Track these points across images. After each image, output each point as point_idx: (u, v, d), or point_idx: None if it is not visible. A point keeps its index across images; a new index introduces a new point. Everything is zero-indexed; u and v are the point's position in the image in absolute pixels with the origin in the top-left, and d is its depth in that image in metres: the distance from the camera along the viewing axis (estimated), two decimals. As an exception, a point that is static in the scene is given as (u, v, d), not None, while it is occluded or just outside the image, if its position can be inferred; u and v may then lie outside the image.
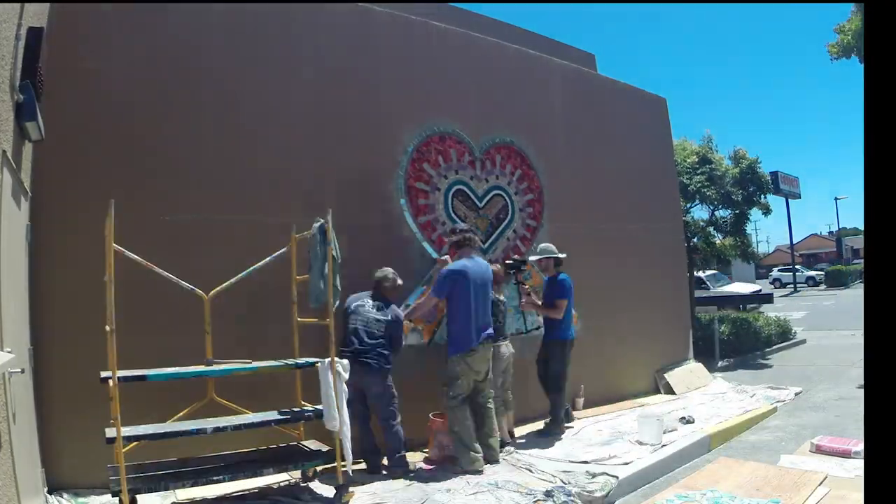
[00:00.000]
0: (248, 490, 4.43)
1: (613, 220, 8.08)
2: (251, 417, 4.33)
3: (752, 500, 4.16)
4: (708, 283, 17.99)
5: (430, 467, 5.04)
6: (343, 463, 4.21)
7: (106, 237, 3.80)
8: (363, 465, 4.98)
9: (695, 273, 13.67)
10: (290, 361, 4.59)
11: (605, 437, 5.77)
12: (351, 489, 4.26)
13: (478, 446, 4.97)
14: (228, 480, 3.98)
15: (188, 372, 4.18)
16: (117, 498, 3.59)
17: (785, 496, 4.23)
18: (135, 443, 4.14)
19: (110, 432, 3.65)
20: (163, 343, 4.63)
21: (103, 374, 3.77)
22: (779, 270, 43.31)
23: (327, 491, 4.35)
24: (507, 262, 6.32)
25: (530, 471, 4.82)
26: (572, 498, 4.21)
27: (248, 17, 5.25)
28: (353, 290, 5.61)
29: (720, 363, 10.28)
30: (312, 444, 4.71)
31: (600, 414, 6.91)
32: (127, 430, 3.78)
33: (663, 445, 5.40)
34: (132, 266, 4.47)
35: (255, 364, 4.53)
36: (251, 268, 4.83)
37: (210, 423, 4.10)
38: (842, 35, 8.58)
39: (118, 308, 4.40)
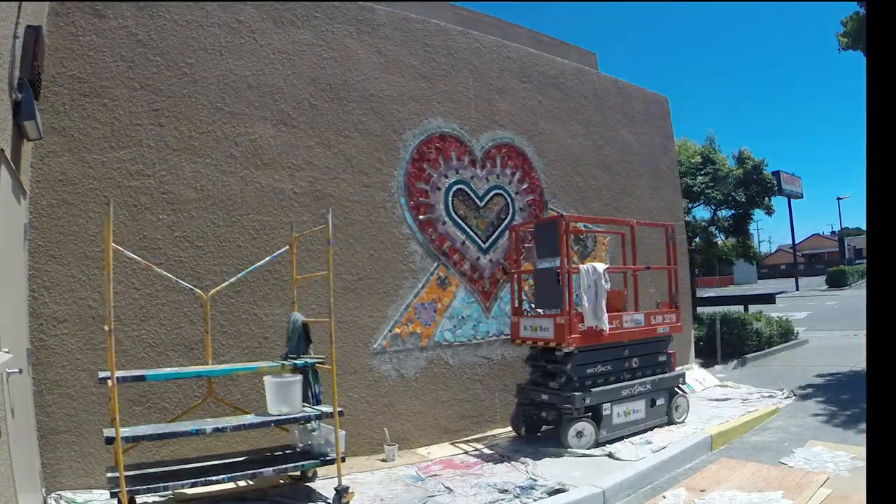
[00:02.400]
0: (248, 490, 4.41)
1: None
2: (251, 418, 4.30)
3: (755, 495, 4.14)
4: None
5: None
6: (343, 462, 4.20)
7: (105, 237, 3.79)
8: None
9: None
10: (290, 362, 4.57)
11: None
12: (351, 490, 4.23)
13: None
14: (227, 481, 3.96)
15: (188, 372, 4.17)
16: (116, 498, 3.57)
17: (787, 496, 4.20)
18: (134, 443, 4.16)
19: (109, 432, 3.63)
20: (164, 341, 4.63)
21: (101, 374, 3.76)
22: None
23: (328, 491, 4.33)
24: None
25: (528, 472, 4.79)
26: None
27: (246, 14, 5.23)
28: (351, 291, 5.62)
29: (721, 365, 10.24)
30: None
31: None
32: (126, 431, 3.78)
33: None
34: (133, 265, 4.48)
35: (255, 364, 4.52)
36: (250, 267, 4.83)
37: (209, 423, 4.08)
38: (850, 24, 8.59)
39: (120, 306, 4.41)
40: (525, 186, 7.08)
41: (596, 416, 5.53)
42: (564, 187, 7.53)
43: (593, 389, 5.56)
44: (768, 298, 14.77)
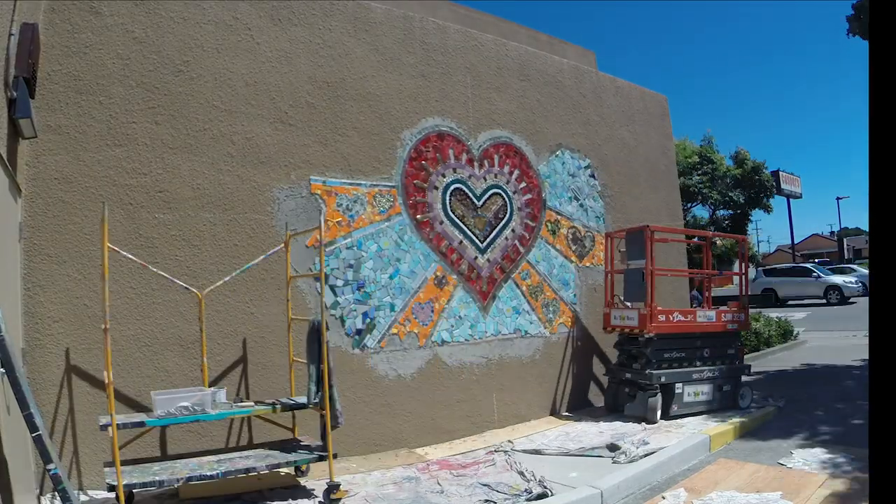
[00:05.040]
0: (241, 481, 4.38)
1: (613, 220, 8.04)
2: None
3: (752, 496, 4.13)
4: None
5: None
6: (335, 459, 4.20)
7: (101, 237, 3.77)
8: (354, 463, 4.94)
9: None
10: (286, 399, 4.63)
11: (606, 439, 5.72)
12: (343, 487, 4.22)
13: None
14: (222, 477, 3.94)
15: (185, 418, 4.04)
16: (114, 493, 3.57)
17: (786, 497, 4.19)
18: (134, 439, 4.16)
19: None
20: (159, 340, 4.60)
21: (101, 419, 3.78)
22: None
23: (319, 487, 4.32)
24: None
25: (522, 473, 4.77)
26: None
27: (242, 11, 5.21)
28: (347, 292, 5.60)
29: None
30: (306, 440, 4.70)
31: (601, 415, 6.88)
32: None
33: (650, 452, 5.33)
34: (129, 264, 4.45)
35: (249, 408, 4.33)
36: (246, 265, 4.83)
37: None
38: (858, 13, 8.63)
39: (115, 306, 4.38)
40: (523, 185, 7.05)
41: (669, 393, 6.45)
42: (563, 186, 7.50)
43: (668, 370, 6.50)
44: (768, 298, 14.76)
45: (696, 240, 11.91)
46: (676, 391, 6.47)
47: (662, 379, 6.39)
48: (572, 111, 7.77)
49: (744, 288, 7.79)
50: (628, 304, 7.02)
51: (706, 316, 6.99)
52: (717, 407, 6.74)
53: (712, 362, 6.88)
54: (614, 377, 6.97)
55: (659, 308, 6.70)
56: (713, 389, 6.77)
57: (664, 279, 8.07)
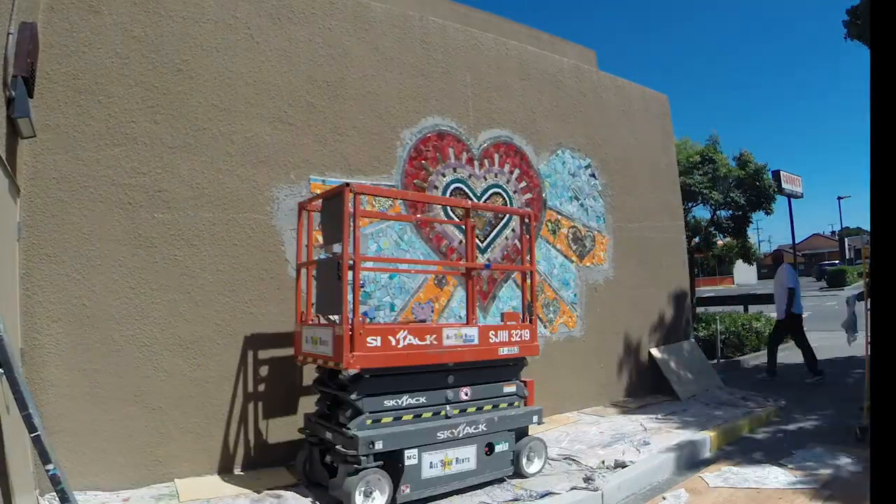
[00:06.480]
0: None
1: (614, 220, 8.03)
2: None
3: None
4: None
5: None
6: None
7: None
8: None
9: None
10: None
11: (607, 439, 5.71)
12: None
13: None
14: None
15: None
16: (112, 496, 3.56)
17: (786, 497, 4.18)
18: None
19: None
20: (158, 340, 4.60)
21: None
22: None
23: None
24: None
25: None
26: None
27: (242, 10, 5.19)
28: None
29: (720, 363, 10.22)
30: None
31: (601, 415, 6.87)
32: None
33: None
34: (128, 264, 4.45)
35: None
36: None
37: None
38: (854, 17, 8.67)
39: (114, 306, 4.38)
40: (523, 185, 7.04)
41: (394, 467, 3.92)
42: (563, 186, 7.49)
43: (391, 428, 3.97)
44: (769, 298, 14.77)
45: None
46: (407, 462, 3.94)
47: (379, 444, 3.81)
48: (573, 110, 7.75)
49: (529, 292, 5.07)
50: (332, 317, 4.48)
51: (463, 336, 4.37)
52: (483, 480, 4.35)
53: (477, 409, 4.44)
54: (312, 434, 4.36)
55: (370, 325, 4.44)
56: (477, 453, 4.31)
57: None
